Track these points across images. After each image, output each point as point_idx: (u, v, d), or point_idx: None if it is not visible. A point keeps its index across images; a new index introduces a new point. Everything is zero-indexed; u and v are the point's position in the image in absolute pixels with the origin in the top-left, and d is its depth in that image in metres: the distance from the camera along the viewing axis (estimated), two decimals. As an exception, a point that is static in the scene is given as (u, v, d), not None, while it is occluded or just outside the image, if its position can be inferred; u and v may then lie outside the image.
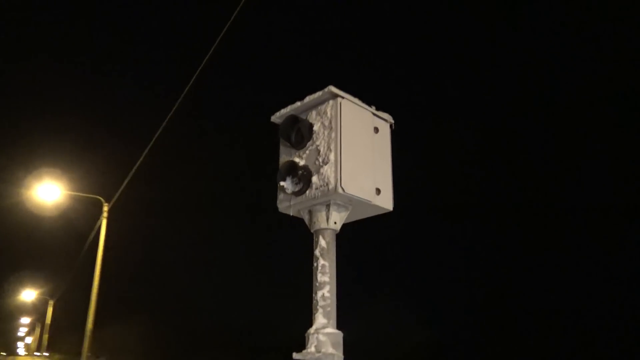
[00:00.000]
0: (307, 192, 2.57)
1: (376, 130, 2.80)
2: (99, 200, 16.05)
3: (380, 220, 2.85)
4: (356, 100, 2.71)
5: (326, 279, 2.51)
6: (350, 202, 2.59)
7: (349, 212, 2.65)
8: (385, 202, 2.71)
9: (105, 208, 16.07)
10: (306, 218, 2.69)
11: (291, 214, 2.74)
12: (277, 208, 2.77)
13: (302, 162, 2.63)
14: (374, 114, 2.81)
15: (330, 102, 2.64)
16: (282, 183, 2.66)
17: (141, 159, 12.46)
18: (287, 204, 2.69)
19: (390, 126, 2.91)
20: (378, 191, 2.67)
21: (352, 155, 2.58)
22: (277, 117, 2.85)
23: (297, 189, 2.62)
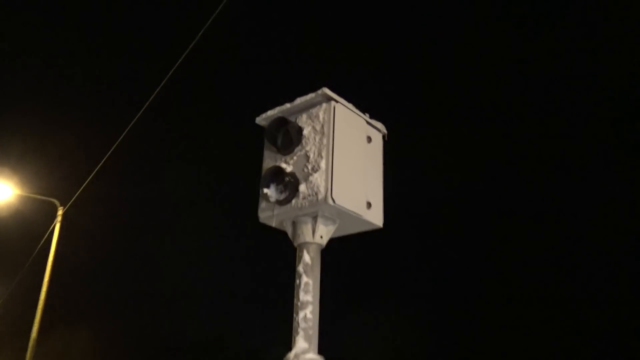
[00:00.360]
0: (293, 201, 2.35)
1: (369, 139, 2.61)
2: (54, 203, 15.32)
3: (367, 236, 2.65)
4: (350, 105, 2.52)
5: (309, 298, 2.27)
6: (339, 215, 2.38)
7: (336, 226, 2.43)
8: (376, 217, 2.51)
9: (60, 212, 15.34)
10: (289, 230, 2.46)
11: (273, 225, 2.51)
12: (257, 217, 2.53)
13: (288, 169, 2.40)
14: (368, 122, 2.62)
15: (324, 105, 2.44)
16: (265, 190, 2.43)
17: (104, 159, 11.94)
18: (269, 214, 2.45)
19: (383, 137, 2.72)
20: (369, 205, 2.46)
21: (344, 164, 2.37)
22: (263, 118, 2.63)
23: (281, 198, 2.39)
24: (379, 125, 2.68)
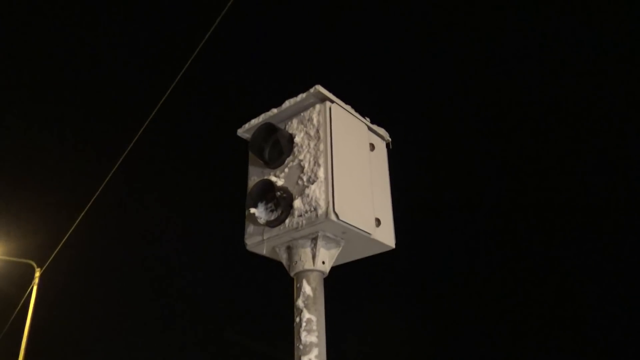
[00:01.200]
0: (287, 221, 1.93)
1: (372, 147, 2.23)
2: (30, 264, 14.55)
3: (377, 258, 2.23)
4: (348, 107, 2.15)
5: (313, 339, 1.82)
6: (344, 234, 1.96)
7: (340, 248, 2.01)
8: (386, 236, 2.10)
9: (37, 274, 14.55)
10: (284, 257, 2.03)
11: (264, 253, 2.08)
12: (244, 245, 2.10)
13: (280, 182, 2.00)
14: (370, 128, 2.25)
15: (317, 106, 2.06)
16: (252, 210, 2.01)
17: (80, 217, 11.37)
18: (258, 239, 2.02)
19: (387, 145, 2.35)
20: (378, 222, 2.05)
21: (346, 174, 1.98)
22: (246, 129, 2.24)
23: (273, 218, 1.97)
24: (382, 131, 2.31)
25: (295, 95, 2.13)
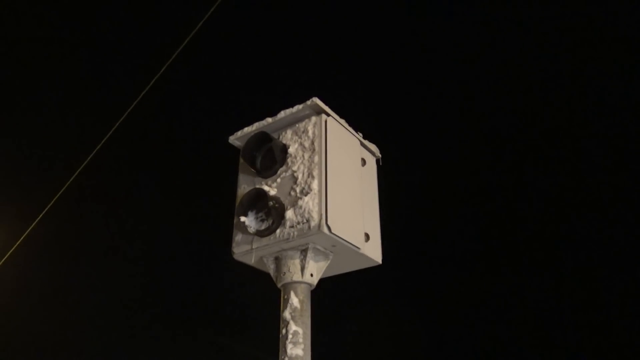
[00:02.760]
0: (278, 231, 1.92)
1: (363, 162, 2.24)
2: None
3: (361, 274, 2.23)
4: (343, 121, 2.17)
5: (299, 351, 1.81)
6: (334, 247, 1.96)
7: (328, 262, 2.01)
8: (374, 252, 2.11)
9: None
10: (271, 268, 2.01)
11: (251, 263, 2.06)
12: (230, 254, 2.07)
13: (272, 192, 1.99)
14: (362, 143, 2.26)
15: (313, 119, 2.07)
16: (242, 219, 1.99)
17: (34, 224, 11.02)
18: (246, 248, 2.00)
19: (377, 161, 2.37)
20: (367, 237, 2.06)
21: (340, 188, 1.98)
22: (238, 137, 2.23)
23: (263, 227, 1.96)
24: (373, 147, 2.34)
25: (290, 105, 2.14)
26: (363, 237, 2.03)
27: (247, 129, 2.20)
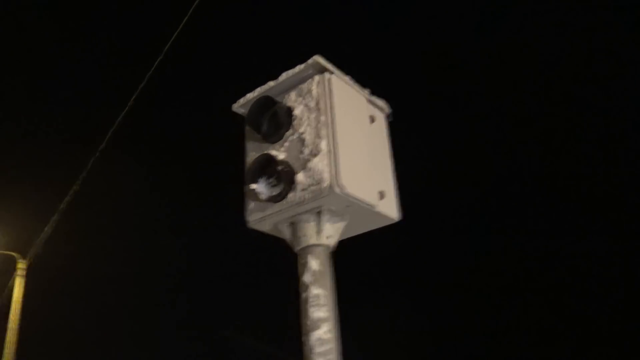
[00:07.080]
0: (290, 195, 1.88)
1: (372, 119, 2.18)
2: (12, 256, 14.29)
3: (382, 232, 2.19)
4: (347, 78, 2.09)
5: (322, 314, 1.78)
6: (348, 207, 1.91)
7: (345, 222, 1.97)
8: (390, 209, 2.06)
9: (20, 265, 14.31)
10: (287, 233, 1.98)
11: (266, 230, 2.03)
12: (244, 223, 2.04)
13: (280, 156, 1.94)
14: (369, 100, 2.19)
15: (316, 78, 2.00)
16: (252, 186, 1.95)
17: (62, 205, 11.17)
18: (260, 215, 1.97)
19: (387, 116, 2.30)
20: (381, 195, 2.02)
21: (349, 146, 1.93)
22: (241, 104, 2.17)
23: (274, 193, 1.92)
24: (381, 103, 2.26)
25: (291, 67, 2.07)
26: (377, 195, 1.98)
27: (249, 95, 2.14)
